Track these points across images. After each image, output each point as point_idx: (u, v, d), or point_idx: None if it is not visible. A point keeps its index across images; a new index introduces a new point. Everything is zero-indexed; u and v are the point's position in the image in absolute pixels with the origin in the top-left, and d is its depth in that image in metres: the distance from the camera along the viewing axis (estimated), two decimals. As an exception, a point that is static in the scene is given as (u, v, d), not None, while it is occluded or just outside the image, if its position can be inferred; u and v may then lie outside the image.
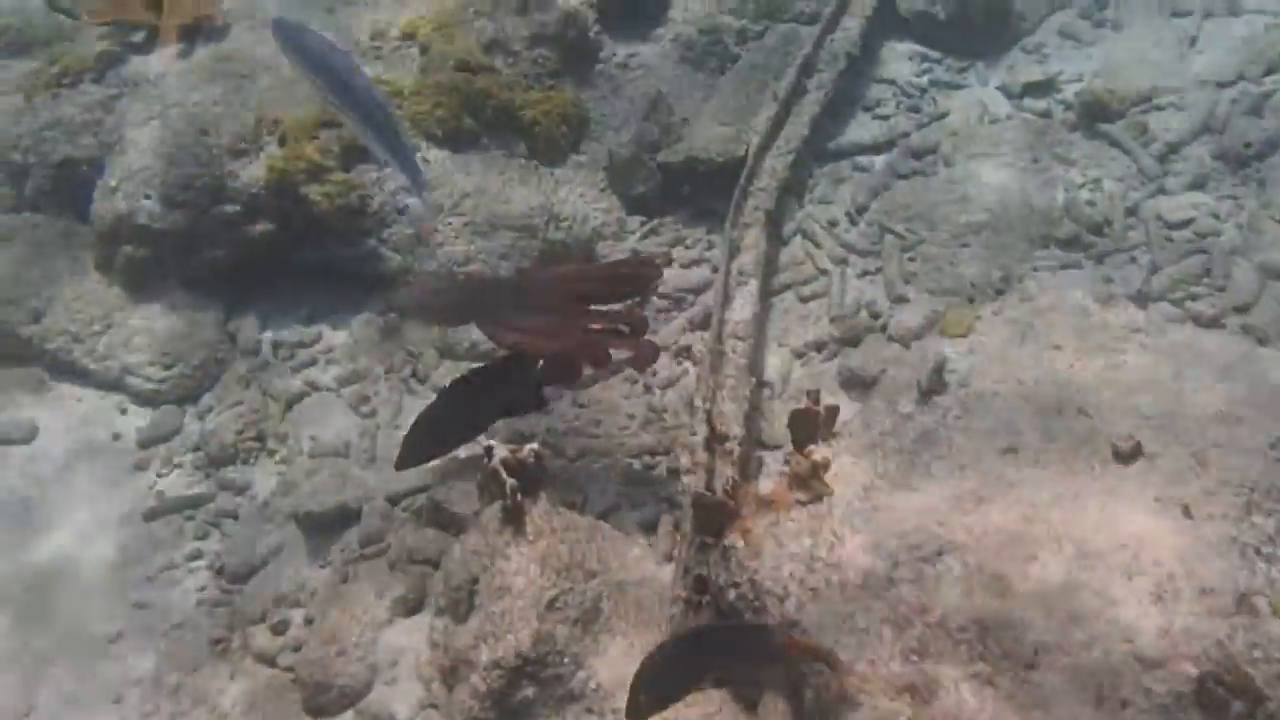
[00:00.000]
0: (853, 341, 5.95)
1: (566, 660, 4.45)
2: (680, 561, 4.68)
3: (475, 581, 4.72)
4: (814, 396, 4.81)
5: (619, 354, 4.91)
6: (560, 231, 6.72)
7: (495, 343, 5.16)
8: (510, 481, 4.67)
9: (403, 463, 5.32)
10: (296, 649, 5.18)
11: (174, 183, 6.63)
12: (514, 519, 4.74)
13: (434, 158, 6.71)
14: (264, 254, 6.77)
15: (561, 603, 4.52)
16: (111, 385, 6.65)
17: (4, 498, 6.17)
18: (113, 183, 6.81)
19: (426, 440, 5.29)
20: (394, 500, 5.74)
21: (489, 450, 4.80)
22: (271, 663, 5.16)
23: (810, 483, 4.59)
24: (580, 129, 7.12)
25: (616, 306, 5.10)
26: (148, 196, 6.65)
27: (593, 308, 5.03)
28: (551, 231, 6.68)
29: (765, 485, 4.71)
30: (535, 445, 4.85)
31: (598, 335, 4.87)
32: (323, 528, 5.66)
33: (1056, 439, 4.60)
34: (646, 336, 4.94)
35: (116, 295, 6.82)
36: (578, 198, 6.90)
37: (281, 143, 6.69)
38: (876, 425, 4.89)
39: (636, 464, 5.70)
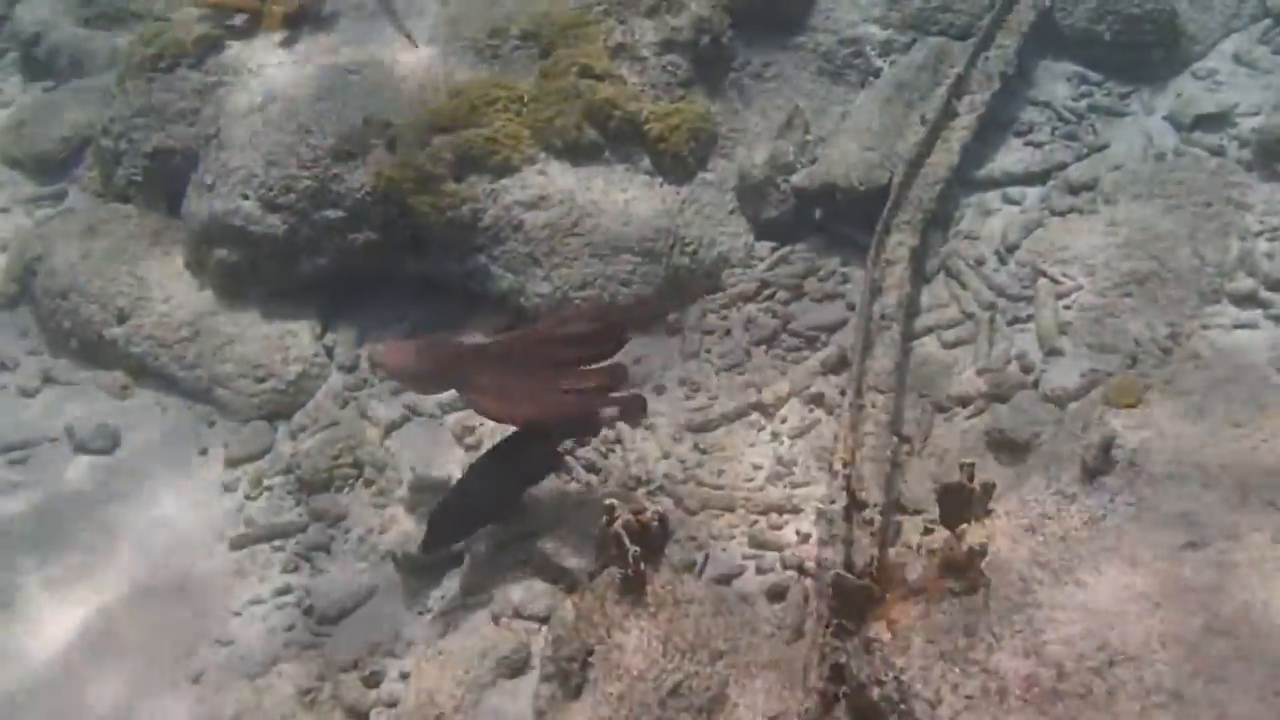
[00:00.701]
0: (1002, 398, 5.39)
1: (691, 754, 3.97)
2: (815, 647, 4.16)
3: (589, 653, 4.26)
4: (969, 471, 4.29)
5: (607, 410, 5.13)
6: (685, 256, 6.24)
7: (474, 409, 5.17)
8: (633, 549, 4.18)
9: (428, 547, 5.10)
10: (391, 705, 4.75)
11: (274, 184, 6.25)
12: (634, 588, 4.26)
13: (552, 171, 6.22)
14: (366, 264, 6.35)
15: (685, 689, 4.05)
16: (199, 396, 6.27)
17: (79, 513, 5.82)
18: (208, 179, 6.43)
19: (454, 522, 5.11)
20: (503, 545, 5.27)
21: (610, 510, 4.32)
22: (363, 718, 4.71)
23: (965, 571, 4.06)
24: (709, 145, 6.59)
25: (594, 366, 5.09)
26: (245, 197, 6.27)
27: (572, 367, 5.08)
28: (676, 256, 6.20)
29: (912, 568, 4.16)
30: (659, 508, 4.37)
31: (579, 396, 5.00)
32: (422, 570, 5.20)
33: (1241, 536, 4.03)
34: (631, 391, 5.24)
35: (208, 299, 6.45)
36: (704, 220, 6.41)
37: (390, 148, 6.25)
38: (1035, 506, 4.36)
39: (762, 522, 5.18)
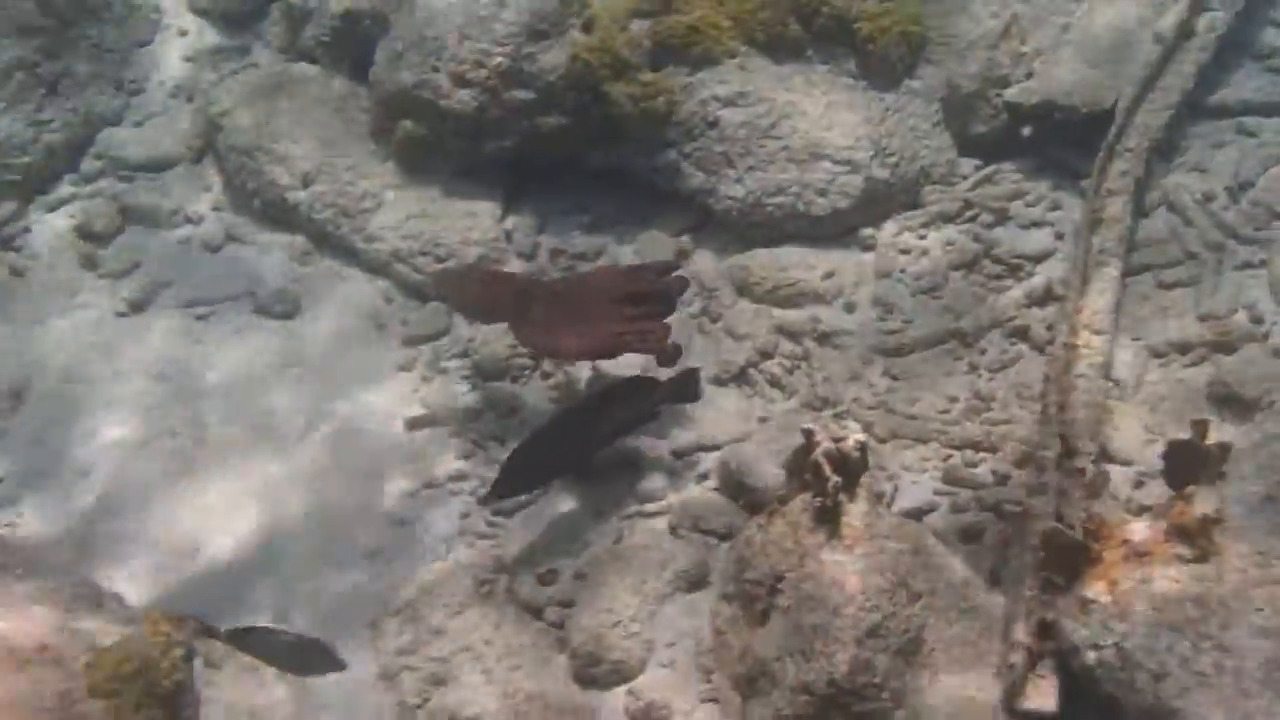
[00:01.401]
0: (1227, 348, 5.04)
1: (885, 696, 3.85)
2: (1019, 600, 3.97)
3: (779, 579, 4.11)
4: (1202, 428, 4.01)
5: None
6: (885, 169, 5.93)
7: (518, 340, 5.23)
8: (833, 479, 4.01)
9: (496, 493, 4.87)
10: (565, 605, 4.68)
11: (466, 58, 6.05)
12: (830, 518, 4.09)
13: (752, 66, 5.94)
14: (551, 150, 6.16)
15: (884, 629, 3.88)
16: (378, 270, 6.19)
17: (254, 380, 5.81)
18: (399, 47, 6.27)
19: (531, 468, 4.86)
20: (680, 454, 5.16)
21: (810, 434, 4.14)
22: (538, 614, 4.68)
23: (1197, 538, 3.81)
24: (918, 50, 6.22)
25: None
26: (435, 69, 6.09)
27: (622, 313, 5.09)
28: (875, 167, 5.88)
29: (1136, 529, 3.91)
30: (862, 435, 4.15)
31: (622, 337, 5.01)
32: (599, 473, 5.09)
33: None
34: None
35: (390, 171, 6.35)
36: (908, 131, 6.08)
37: (587, 29, 6.01)
38: (1274, 473, 4.05)
39: (957, 458, 4.96)
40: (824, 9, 6.05)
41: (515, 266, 6.13)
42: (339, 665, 4.23)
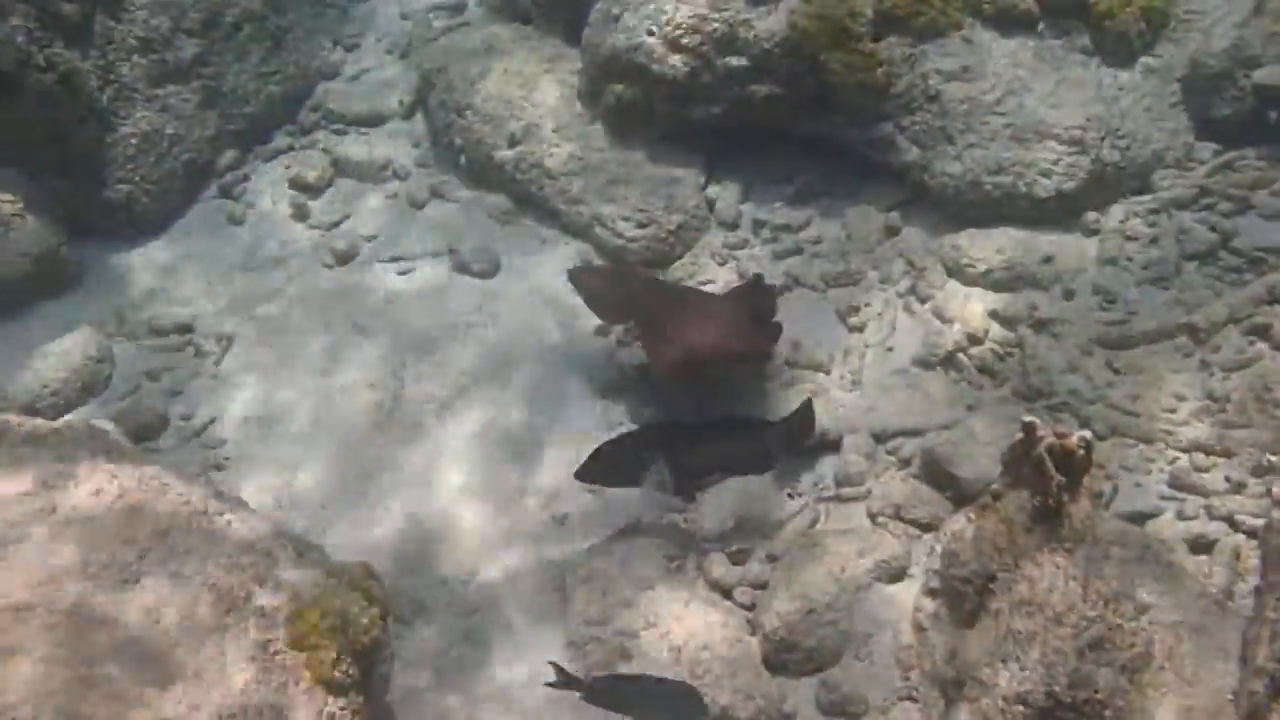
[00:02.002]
0: None
1: (1108, 714, 3.60)
2: (1264, 622, 3.66)
3: (990, 579, 3.89)
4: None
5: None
6: (1115, 151, 5.60)
7: (651, 353, 5.16)
8: (1057, 479, 3.76)
9: (584, 474, 4.76)
10: (757, 586, 4.56)
11: (682, 23, 5.92)
12: (1050, 518, 3.85)
13: (979, 39, 5.67)
14: (760, 118, 6.01)
15: (1109, 642, 3.64)
16: (578, 232, 6.17)
17: (454, 333, 5.83)
18: (614, 10, 6.19)
19: (621, 465, 4.71)
20: (881, 438, 4.97)
21: (1031, 428, 3.90)
22: (727, 594, 4.56)
23: None
24: (1159, 25, 5.84)
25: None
26: (650, 33, 5.98)
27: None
28: (1105, 149, 5.55)
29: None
30: (1087, 433, 3.89)
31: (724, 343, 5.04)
32: (796, 454, 4.94)
33: None
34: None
35: (597, 135, 6.29)
36: (1142, 112, 5.73)
37: (809, -2, 5.82)
38: None
39: (1184, 460, 4.65)
40: (1060, -19, 5.70)
41: (717, 237, 6.00)
42: (704, 712, 4.11)
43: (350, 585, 3.85)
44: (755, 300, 5.34)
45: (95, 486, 3.73)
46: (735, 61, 5.89)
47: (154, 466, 3.94)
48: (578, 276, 5.48)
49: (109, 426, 4.87)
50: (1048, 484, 3.82)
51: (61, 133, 6.10)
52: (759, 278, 5.52)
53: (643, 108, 6.13)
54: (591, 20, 6.37)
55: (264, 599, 3.64)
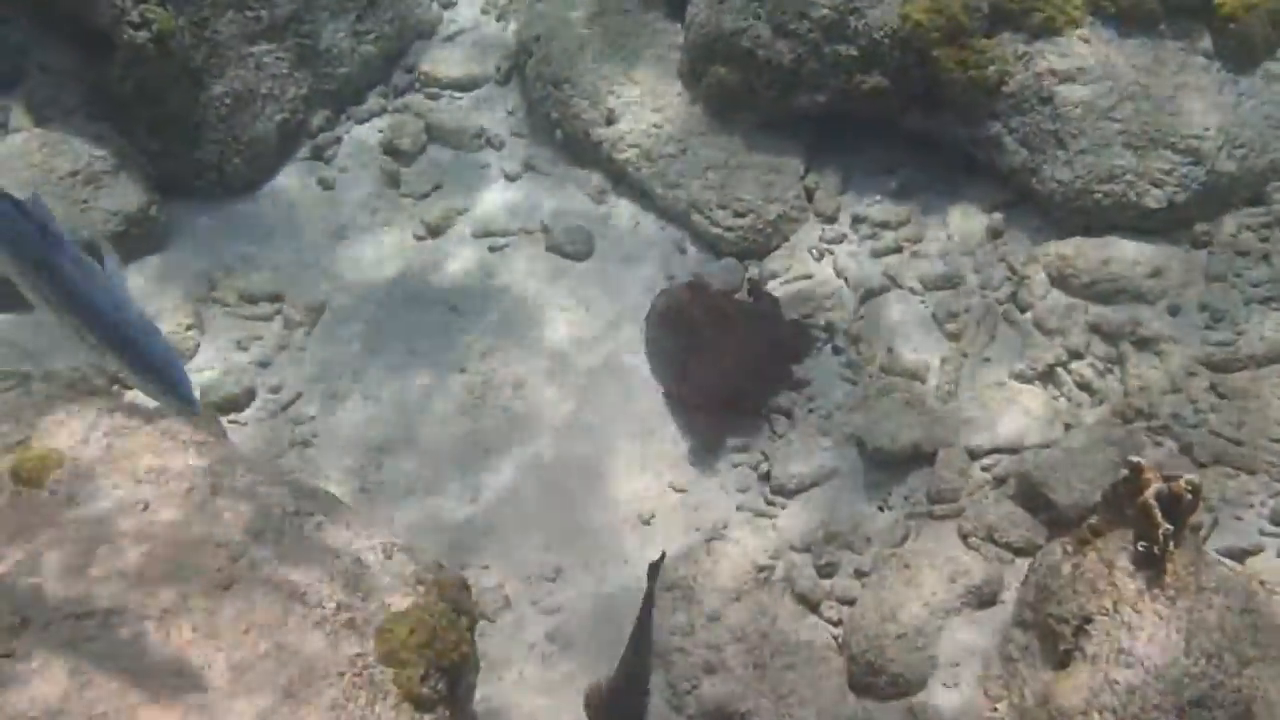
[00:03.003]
0: None
1: (1209, 773, 3.57)
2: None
3: (1087, 620, 3.86)
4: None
5: None
6: (1231, 161, 5.44)
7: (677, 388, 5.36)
8: (1165, 527, 3.71)
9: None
10: (845, 601, 4.55)
11: (789, 7, 5.78)
12: (1153, 564, 3.80)
13: (1098, 39, 5.50)
14: (865, 109, 5.88)
15: (1210, 699, 3.59)
16: (674, 218, 6.10)
17: (534, 317, 5.85)
18: (723, -11, 6.03)
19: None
20: (975, 454, 4.92)
21: (1138, 470, 3.84)
22: (814, 608, 4.56)
23: None
24: (1287, 29, 5.64)
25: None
26: (758, 17, 5.87)
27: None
28: (1222, 159, 5.39)
29: None
30: (1195, 477, 3.83)
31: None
32: (887, 464, 4.91)
33: None
34: None
35: (697, 116, 6.20)
36: (1262, 119, 5.56)
37: (923, -15, 5.67)
38: None
39: (1291, 495, 4.57)
40: (1185, -18, 5.51)
41: (815, 229, 5.92)
42: None
43: (440, 595, 3.85)
44: (770, 317, 5.44)
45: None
46: (844, 50, 5.78)
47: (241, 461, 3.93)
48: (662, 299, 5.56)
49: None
50: (1154, 531, 3.77)
51: (154, 91, 6.09)
52: (755, 284, 5.59)
53: (745, 92, 6.02)
54: (695, -1, 6.24)
55: (354, 610, 3.64)
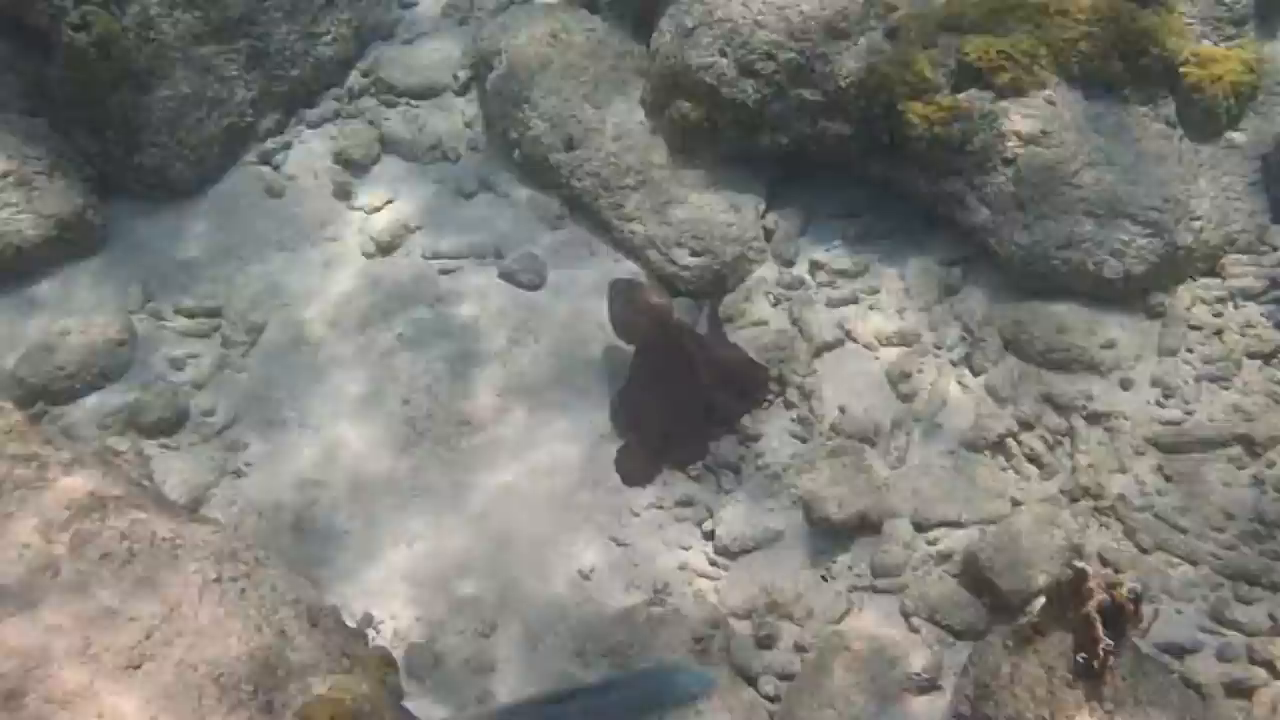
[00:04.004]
0: None
1: None
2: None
3: (1024, 726, 3.84)
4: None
5: None
6: (1189, 233, 5.42)
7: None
8: (1105, 642, 3.70)
9: None
10: (783, 678, 4.52)
11: (756, 47, 5.69)
12: (1092, 675, 3.80)
13: (1062, 101, 5.46)
14: (828, 153, 5.80)
15: (1143, 819, 3.59)
16: (629, 251, 6.01)
17: (492, 353, 5.71)
18: (688, 22, 5.94)
19: None
20: (922, 527, 4.90)
21: (1081, 577, 3.83)
22: (752, 682, 4.52)
23: None
24: (1246, 100, 5.64)
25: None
26: (723, 54, 5.76)
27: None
28: (1180, 231, 5.38)
29: None
30: (1137, 585, 3.83)
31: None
32: (833, 531, 4.88)
33: None
34: None
35: (658, 148, 6.09)
36: (1220, 190, 5.55)
37: (890, 36, 5.58)
38: None
39: (1228, 590, 4.58)
40: (1153, 49, 5.47)
41: (772, 271, 5.84)
42: None
43: (366, 673, 3.76)
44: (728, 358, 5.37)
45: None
46: (809, 95, 5.69)
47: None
48: (617, 293, 5.39)
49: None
50: (1094, 646, 3.75)
51: (94, 94, 5.88)
52: (714, 318, 5.54)
53: (707, 128, 5.91)
54: (663, 27, 6.12)
55: (272, 692, 3.51)
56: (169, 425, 5.43)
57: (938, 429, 5.20)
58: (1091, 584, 3.84)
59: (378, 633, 4.84)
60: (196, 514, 4.47)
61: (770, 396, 5.39)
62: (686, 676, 4.16)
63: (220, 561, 3.74)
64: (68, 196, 5.92)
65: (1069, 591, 3.95)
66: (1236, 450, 5.01)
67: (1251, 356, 5.28)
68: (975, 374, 5.35)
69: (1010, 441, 5.12)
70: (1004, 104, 5.47)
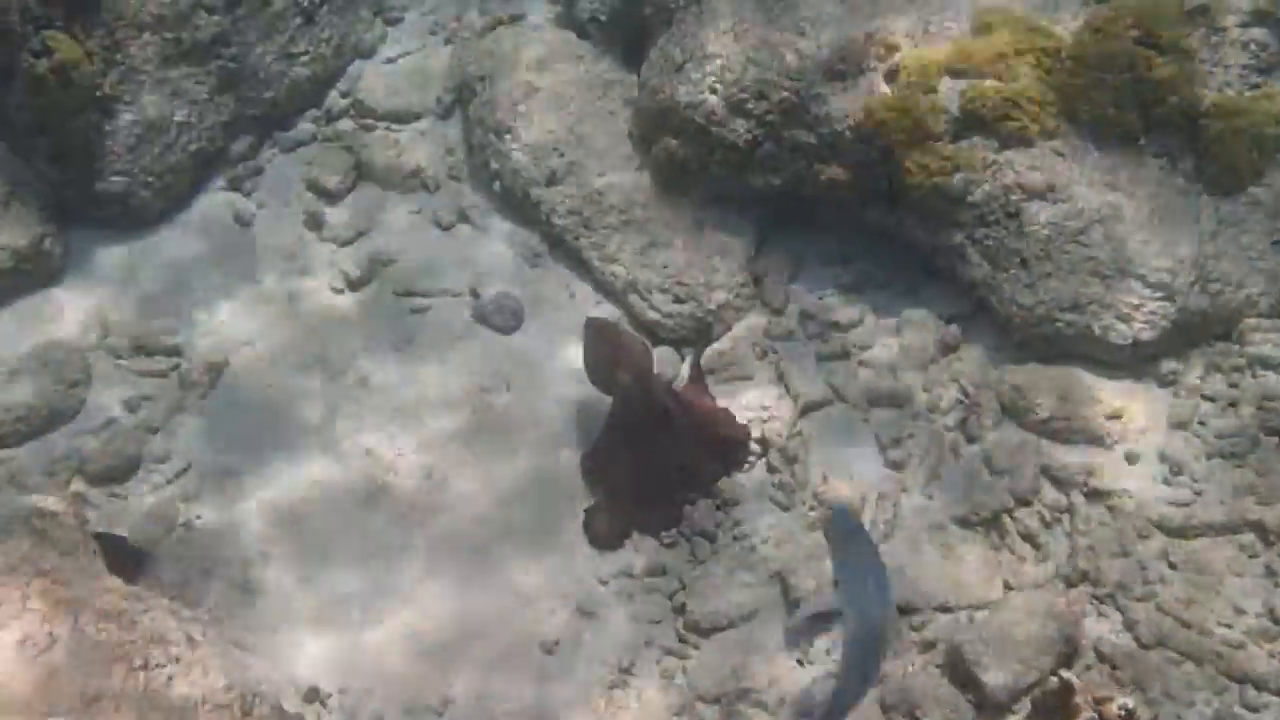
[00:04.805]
0: None
1: None
2: None
3: (1006, 842, 3.52)
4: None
5: None
6: (1204, 296, 5.07)
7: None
8: (1093, 765, 3.39)
9: None
10: (752, 768, 4.18)
11: (748, 86, 5.37)
12: (1083, 792, 3.46)
13: (1071, 153, 5.11)
14: (823, 197, 5.47)
15: None
16: (611, 294, 5.71)
17: (466, 399, 5.41)
18: (678, 56, 5.62)
19: None
20: (905, 610, 4.57)
21: (1068, 689, 3.54)
22: (719, 774, 4.21)
23: None
24: (1272, 153, 5.26)
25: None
26: (714, 91, 5.43)
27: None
28: (1194, 295, 5.03)
29: None
30: (1129, 702, 3.51)
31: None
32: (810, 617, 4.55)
33: None
34: None
35: (644, 185, 5.78)
36: (1240, 251, 5.20)
37: (889, 79, 5.24)
38: None
39: (1234, 694, 4.24)
40: (1170, 98, 5.11)
41: (761, 319, 5.51)
42: None
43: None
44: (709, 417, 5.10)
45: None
46: (803, 136, 5.38)
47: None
48: (593, 334, 5.07)
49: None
50: (1081, 758, 3.43)
51: (54, 121, 5.59)
52: (697, 370, 5.26)
53: (696, 166, 5.59)
54: (652, 59, 5.82)
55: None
56: (119, 473, 5.14)
57: (928, 501, 4.86)
58: (1079, 699, 3.51)
59: (325, 707, 4.50)
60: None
61: (751, 459, 5.02)
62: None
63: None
64: (25, 225, 5.67)
65: (1055, 704, 3.62)
66: (1249, 537, 4.66)
67: (1269, 432, 4.91)
68: (970, 441, 4.99)
69: (1005, 518, 4.77)
70: (1009, 154, 5.14)
